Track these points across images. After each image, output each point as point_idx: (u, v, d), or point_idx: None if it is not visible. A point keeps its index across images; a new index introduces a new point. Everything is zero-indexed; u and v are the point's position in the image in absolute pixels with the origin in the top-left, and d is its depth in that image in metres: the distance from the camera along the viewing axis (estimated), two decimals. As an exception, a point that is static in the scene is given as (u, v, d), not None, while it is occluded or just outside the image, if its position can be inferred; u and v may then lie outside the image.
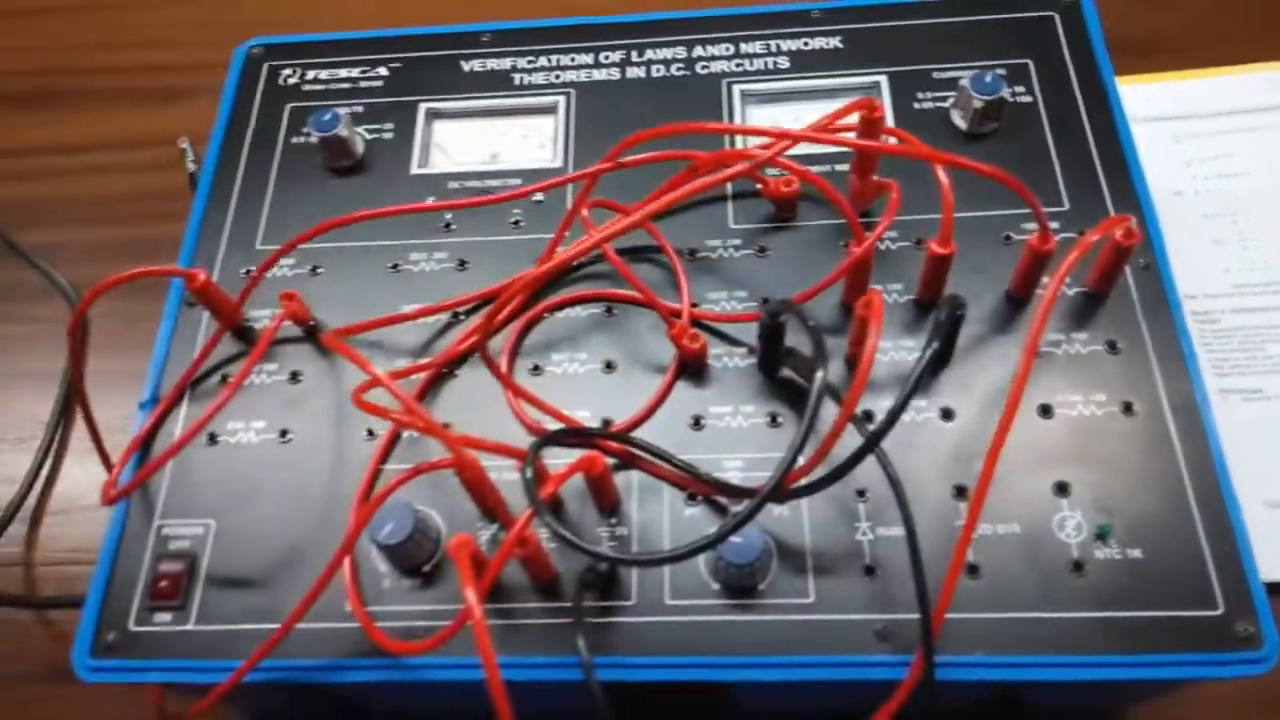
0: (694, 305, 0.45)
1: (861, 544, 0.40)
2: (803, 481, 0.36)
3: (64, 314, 0.64)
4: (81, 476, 0.59)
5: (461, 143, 0.53)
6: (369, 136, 0.52)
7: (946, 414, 0.42)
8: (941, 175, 0.39)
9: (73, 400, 0.61)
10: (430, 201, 0.49)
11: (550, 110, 0.53)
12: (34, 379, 0.62)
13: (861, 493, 0.40)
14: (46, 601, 0.54)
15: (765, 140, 0.42)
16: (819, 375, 0.34)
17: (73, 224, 0.69)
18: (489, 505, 0.41)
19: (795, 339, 0.42)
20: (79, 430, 0.61)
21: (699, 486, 0.41)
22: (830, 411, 0.41)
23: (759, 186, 0.47)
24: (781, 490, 0.34)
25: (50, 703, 0.53)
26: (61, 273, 0.66)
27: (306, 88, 0.55)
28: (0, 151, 0.74)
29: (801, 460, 0.35)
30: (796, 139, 0.41)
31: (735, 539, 0.37)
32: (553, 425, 0.43)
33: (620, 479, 0.41)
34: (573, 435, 0.40)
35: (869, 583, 0.39)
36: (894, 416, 0.35)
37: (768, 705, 0.46)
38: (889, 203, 0.42)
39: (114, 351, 0.63)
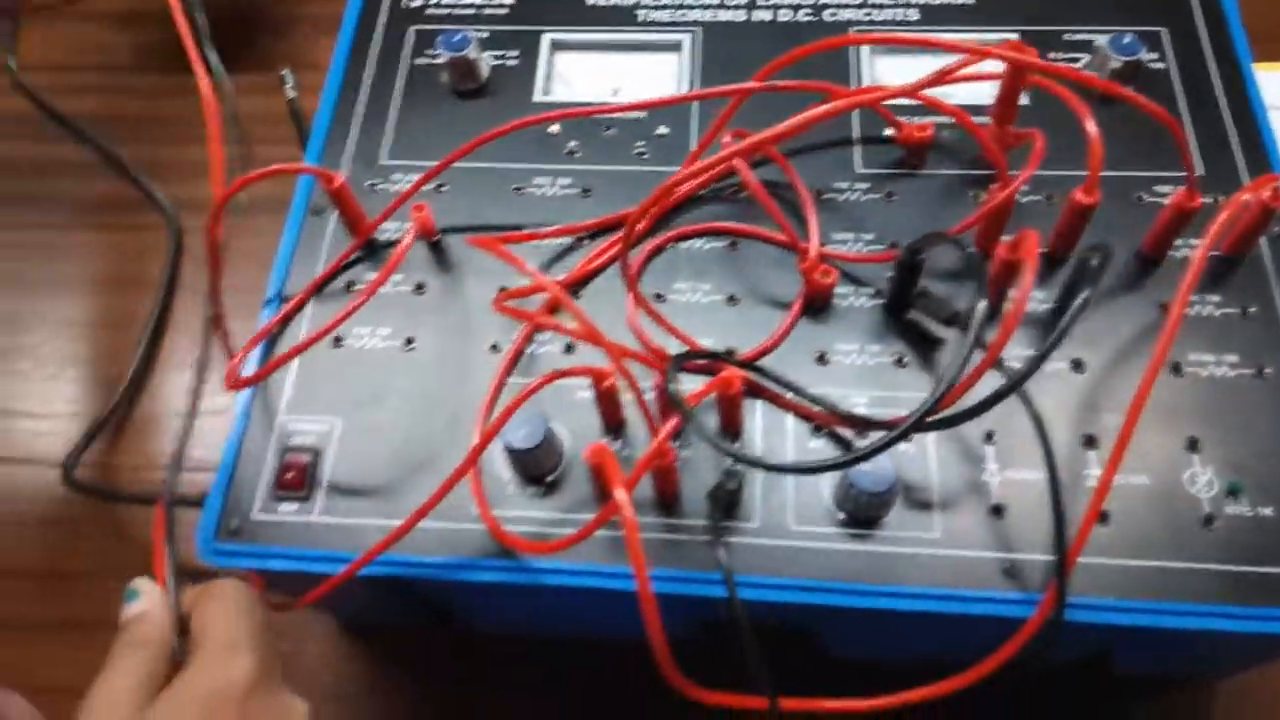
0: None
1: (989, 484, 0.40)
2: (946, 413, 0.36)
3: (162, 225, 0.65)
4: (180, 383, 0.60)
5: (584, 74, 0.53)
6: (493, 62, 0.53)
7: (1077, 365, 0.42)
8: (1090, 126, 0.38)
9: (167, 311, 0.62)
10: (555, 128, 0.49)
11: (674, 48, 0.53)
12: (132, 286, 0.63)
13: (989, 435, 0.40)
14: (150, 497, 0.54)
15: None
16: (981, 305, 0.34)
17: (170, 142, 0.69)
18: (615, 420, 0.41)
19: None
20: (172, 340, 0.61)
21: (827, 418, 0.41)
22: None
23: (890, 131, 0.47)
24: (927, 420, 0.34)
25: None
26: (160, 190, 0.66)
27: (430, 11, 0.55)
28: (96, 67, 0.74)
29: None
30: (950, 79, 0.40)
31: (867, 467, 0.37)
32: (676, 350, 0.43)
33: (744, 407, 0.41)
34: (706, 357, 0.40)
35: (996, 522, 0.39)
36: (1042, 357, 0.35)
37: (856, 647, 0.46)
38: (1033, 151, 0.42)
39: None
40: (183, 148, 0.68)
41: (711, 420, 0.41)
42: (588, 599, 0.41)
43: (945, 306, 0.41)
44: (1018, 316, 0.34)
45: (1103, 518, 0.38)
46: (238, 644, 0.35)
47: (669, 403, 0.35)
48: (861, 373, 0.42)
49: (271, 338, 0.45)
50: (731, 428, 0.41)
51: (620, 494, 0.32)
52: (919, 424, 0.33)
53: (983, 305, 0.34)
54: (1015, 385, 0.36)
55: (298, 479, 0.41)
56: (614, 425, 0.42)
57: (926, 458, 0.40)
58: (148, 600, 0.36)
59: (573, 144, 0.50)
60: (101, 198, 0.67)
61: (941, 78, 0.40)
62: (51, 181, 0.68)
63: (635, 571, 0.32)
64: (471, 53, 0.50)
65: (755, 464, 0.36)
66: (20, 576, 0.55)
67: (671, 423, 0.35)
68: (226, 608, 0.36)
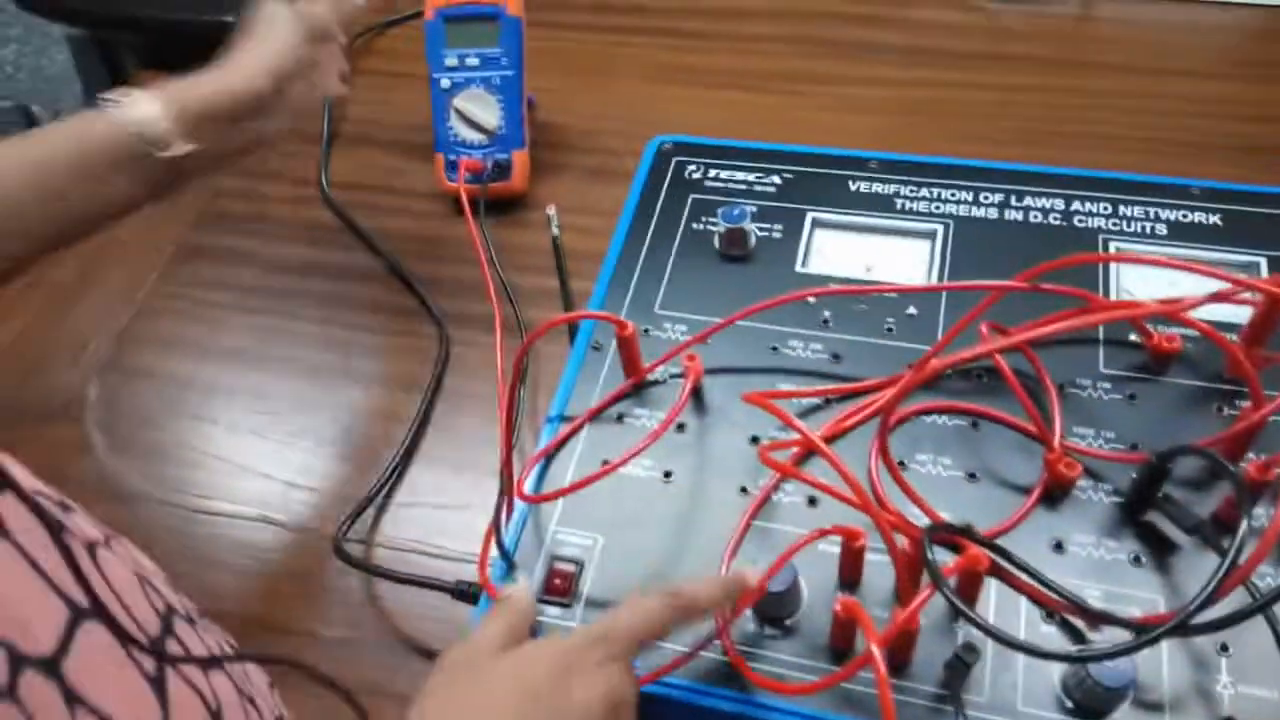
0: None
1: (1222, 696, 0.40)
2: (1193, 620, 0.38)
3: (433, 333, 0.73)
4: (431, 476, 0.67)
5: (841, 251, 0.58)
6: (760, 233, 0.59)
7: (1321, 589, 0.42)
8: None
9: (429, 410, 0.70)
10: (813, 299, 0.55)
11: (928, 236, 0.58)
12: (404, 384, 0.71)
13: (1224, 647, 0.41)
14: (416, 580, 0.59)
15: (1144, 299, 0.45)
16: (1244, 520, 0.36)
17: (447, 261, 0.79)
18: (854, 576, 0.45)
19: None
20: (432, 437, 0.69)
21: (1063, 606, 0.43)
22: (1185, 564, 0.43)
23: (1141, 338, 0.50)
24: (1184, 625, 0.36)
25: (388, 671, 0.59)
26: (435, 301, 0.75)
27: (708, 183, 0.62)
28: (390, 190, 0.86)
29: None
30: (1212, 300, 0.43)
31: (1109, 662, 0.39)
32: (915, 519, 0.46)
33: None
34: (959, 533, 0.43)
35: (1229, 735, 0.40)
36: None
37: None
38: (1287, 376, 0.44)
39: (466, 379, 0.71)
40: (454, 266, 0.77)
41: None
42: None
43: (1189, 516, 0.43)
44: (1274, 538, 0.36)
45: (1348, 751, 0.39)
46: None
47: (926, 572, 0.39)
48: (1097, 566, 0.44)
49: (549, 455, 0.51)
50: (968, 602, 0.44)
51: (875, 650, 0.36)
52: (1182, 627, 0.35)
53: (1245, 525, 0.36)
54: (1264, 606, 0.37)
55: (564, 585, 0.46)
56: (850, 581, 0.45)
57: (1160, 659, 0.42)
58: (521, 583, 0.45)
59: (827, 314, 0.55)
60: (387, 304, 0.77)
61: (1206, 299, 0.43)
62: (348, 284, 0.78)
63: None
64: (746, 224, 0.57)
65: (1020, 648, 0.38)
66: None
67: (926, 592, 0.38)
68: None
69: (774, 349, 0.54)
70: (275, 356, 0.74)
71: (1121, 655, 0.35)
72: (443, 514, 0.65)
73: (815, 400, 0.51)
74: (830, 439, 0.50)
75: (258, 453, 0.69)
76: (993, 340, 0.45)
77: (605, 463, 0.50)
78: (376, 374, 0.73)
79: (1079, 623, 0.43)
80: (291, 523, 0.66)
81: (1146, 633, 0.40)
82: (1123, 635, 0.42)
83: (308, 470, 0.68)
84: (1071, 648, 0.42)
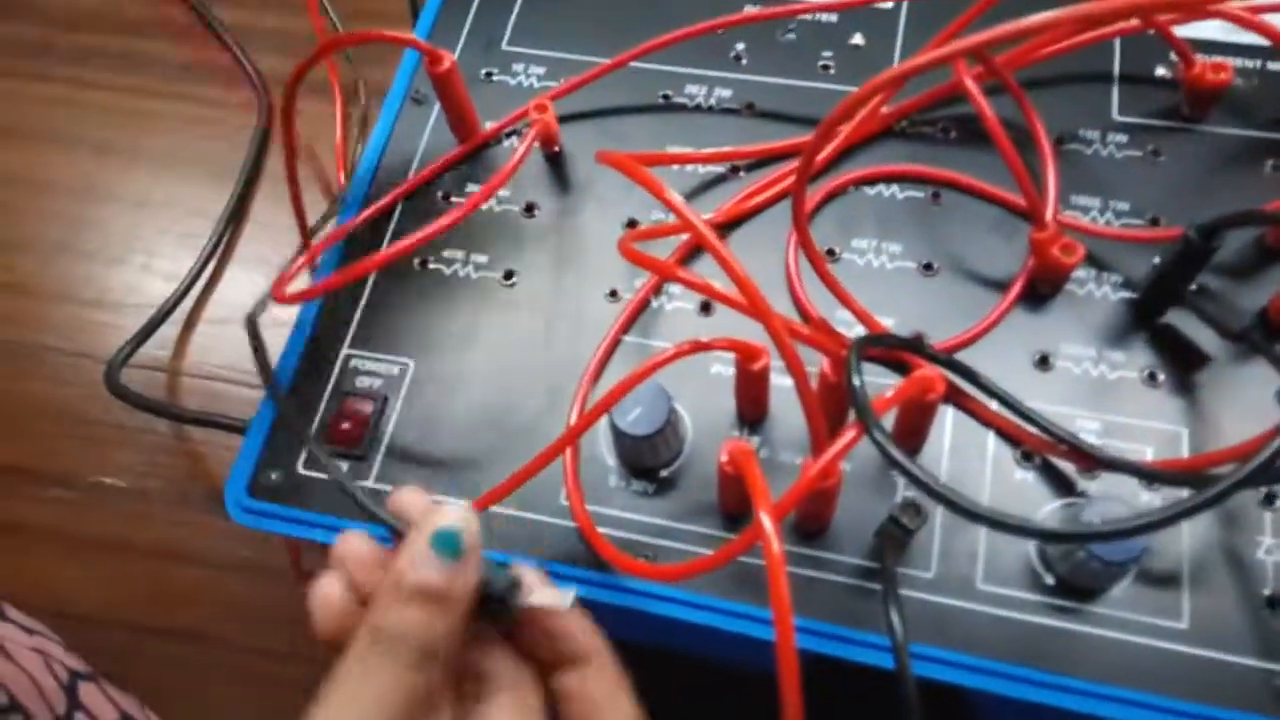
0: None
1: (1264, 564, 0.29)
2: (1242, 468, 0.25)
3: (251, 102, 0.57)
4: (247, 285, 0.53)
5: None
6: (652, -64, 0.42)
7: None
8: None
9: (246, 201, 0.55)
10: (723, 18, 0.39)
11: (883, -63, 0.41)
12: (212, 171, 0.55)
13: (1269, 499, 0.30)
14: (196, 417, 0.47)
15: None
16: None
17: (267, 7, 0.61)
18: (758, 411, 0.32)
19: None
20: (250, 234, 0.54)
21: (1046, 444, 0.30)
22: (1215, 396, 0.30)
23: (1174, 67, 0.35)
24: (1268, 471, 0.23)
25: (177, 526, 0.47)
26: (253, 58, 0.58)
27: None
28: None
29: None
30: None
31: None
32: (849, 328, 0.33)
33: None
34: (900, 346, 0.30)
35: (1270, 619, 0.28)
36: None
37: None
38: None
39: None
40: (278, 13, 0.60)
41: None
42: (693, 632, 0.32)
43: (1235, 313, 0.30)
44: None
45: None
46: None
47: (852, 405, 0.26)
48: (1096, 387, 0.32)
49: (347, 247, 0.36)
50: (912, 442, 0.31)
51: (767, 523, 0.23)
52: (1253, 477, 0.22)
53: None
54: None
55: (354, 432, 0.33)
56: (754, 418, 0.32)
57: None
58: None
59: (740, 46, 0.39)
60: (195, 63, 0.60)
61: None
62: (149, 41, 0.61)
63: (777, 621, 0.22)
64: (627, -80, 0.40)
65: (988, 520, 0.24)
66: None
67: (849, 435, 0.25)
68: None
69: (665, 97, 0.39)
70: (63, 136, 0.58)
71: (1146, 531, 0.23)
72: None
73: (718, 168, 0.37)
74: (733, 220, 0.36)
75: (28, 262, 0.54)
76: (957, 43, 0.29)
77: (423, 262, 0.36)
78: (179, 153, 0.57)
79: (1068, 467, 0.31)
80: (71, 348, 0.52)
81: (1172, 483, 0.28)
82: (1130, 485, 0.30)
83: (89, 281, 0.54)
84: (1057, 502, 0.30)
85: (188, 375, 0.51)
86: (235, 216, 0.54)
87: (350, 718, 0.22)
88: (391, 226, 0.37)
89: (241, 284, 0.52)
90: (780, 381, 0.31)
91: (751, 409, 0.32)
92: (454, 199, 0.37)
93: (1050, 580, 0.29)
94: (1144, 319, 0.33)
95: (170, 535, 0.47)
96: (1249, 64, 0.36)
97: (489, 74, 0.40)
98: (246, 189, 0.54)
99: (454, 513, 0.24)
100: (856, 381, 0.26)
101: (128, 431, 0.49)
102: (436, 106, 0.38)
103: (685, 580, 0.28)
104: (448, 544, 0.23)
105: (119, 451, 0.49)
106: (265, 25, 0.60)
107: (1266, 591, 0.28)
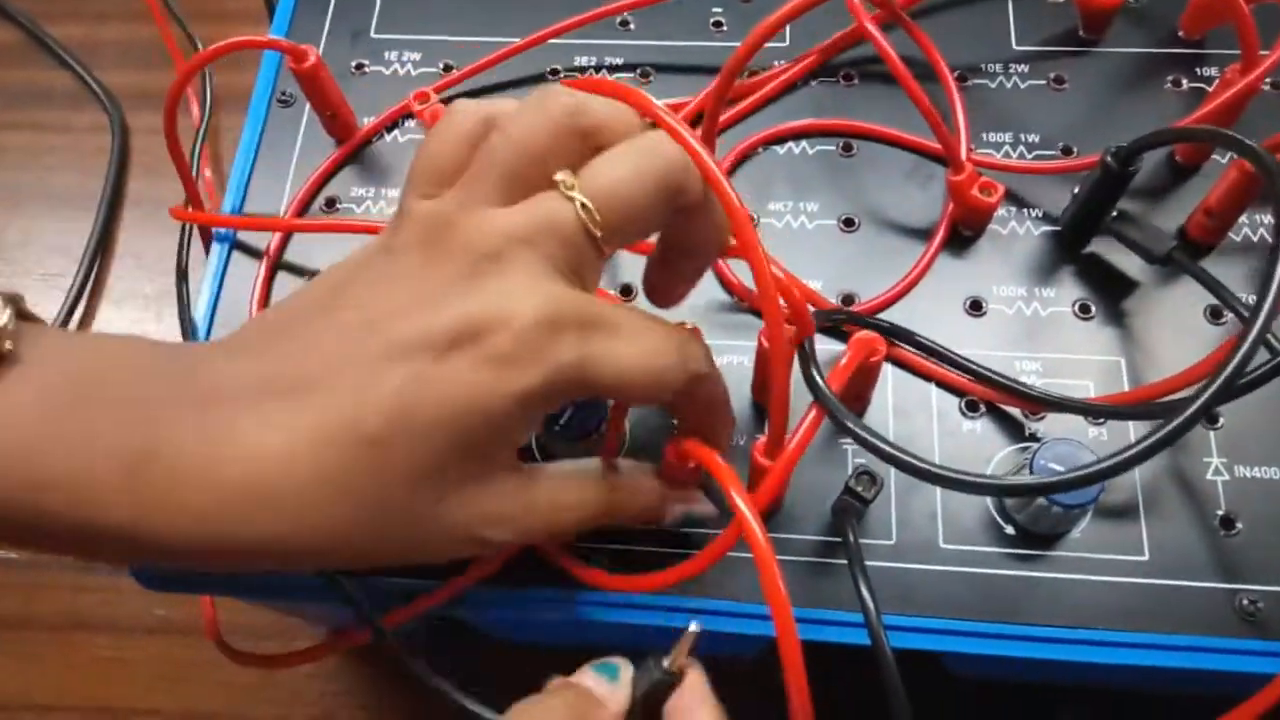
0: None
1: (1215, 485, 0.29)
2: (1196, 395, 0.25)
3: (102, 123, 0.52)
4: (122, 325, 0.48)
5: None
6: (517, -98, 0.40)
7: (1333, 319, 0.30)
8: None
9: (111, 232, 0.50)
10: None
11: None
12: (67, 202, 0.51)
13: (1214, 418, 0.29)
14: None
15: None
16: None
17: (106, 19, 0.56)
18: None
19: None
20: (120, 268, 0.50)
21: (991, 393, 0.30)
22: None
23: (1067, -14, 0.34)
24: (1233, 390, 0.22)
25: (80, 594, 0.43)
26: (98, 76, 0.54)
27: None
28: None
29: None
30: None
31: (1062, 467, 0.26)
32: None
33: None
34: (850, 320, 0.29)
35: (1226, 540, 0.28)
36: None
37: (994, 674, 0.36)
38: (1288, 18, 0.30)
39: (160, 178, 0.51)
40: (120, 23, 0.55)
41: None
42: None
43: (1160, 236, 0.29)
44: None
45: (1387, 539, 0.28)
46: None
47: (814, 397, 0.24)
48: (1030, 326, 0.31)
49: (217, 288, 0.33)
50: (857, 406, 0.30)
51: (750, 517, 0.22)
52: (1214, 401, 0.21)
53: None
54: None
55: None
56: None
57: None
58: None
59: (626, 13, 0.37)
60: (34, 86, 0.55)
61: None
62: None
63: (776, 617, 0.21)
64: (488, -114, 0.38)
65: (944, 480, 0.23)
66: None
67: (812, 416, 0.24)
68: None
69: (554, 71, 0.36)
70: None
71: (1106, 477, 0.22)
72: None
73: (619, 141, 0.35)
74: (644, 195, 0.34)
75: None
76: (865, 12, 0.28)
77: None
78: (28, 187, 0.52)
79: (1015, 411, 0.30)
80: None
81: (1119, 417, 0.28)
82: (1078, 421, 0.30)
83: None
84: (1009, 448, 0.29)
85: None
86: (101, 249, 0.49)
87: None
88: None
89: (116, 323, 0.48)
90: (732, 360, 0.30)
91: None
92: (341, 205, 0.34)
93: (1011, 530, 0.28)
94: (1069, 251, 0.32)
95: (75, 605, 0.43)
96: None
97: (359, 66, 0.37)
98: (110, 218, 0.50)
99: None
100: (816, 375, 0.25)
101: None
102: (307, 106, 0.35)
103: (664, 588, 0.26)
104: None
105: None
106: (106, 37, 0.55)
107: (1220, 511, 0.28)
